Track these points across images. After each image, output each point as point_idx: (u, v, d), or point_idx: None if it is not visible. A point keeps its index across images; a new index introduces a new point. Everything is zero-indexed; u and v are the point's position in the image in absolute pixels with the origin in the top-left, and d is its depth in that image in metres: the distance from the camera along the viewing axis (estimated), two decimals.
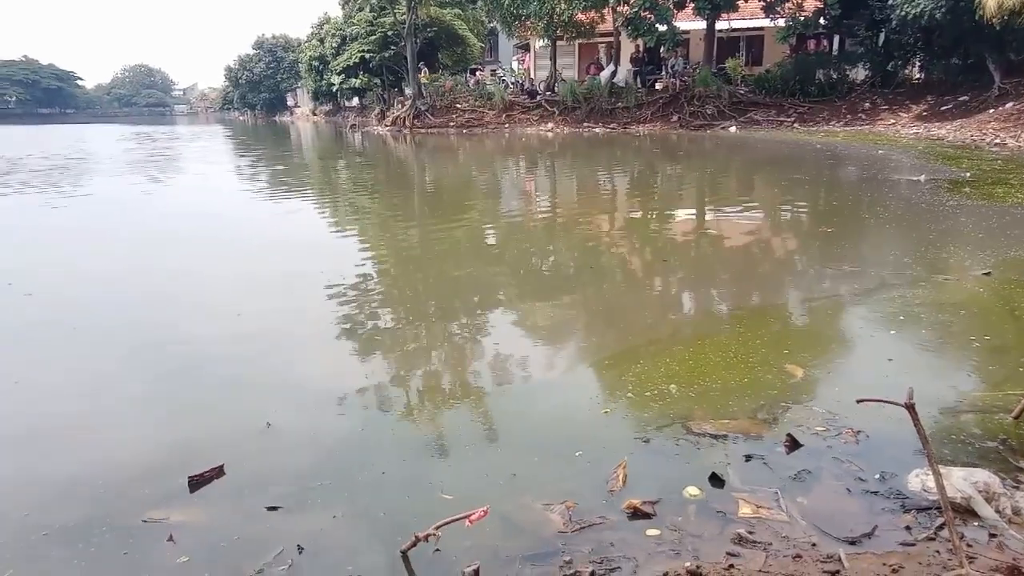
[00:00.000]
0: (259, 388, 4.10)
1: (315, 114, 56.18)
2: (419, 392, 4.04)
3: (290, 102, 72.03)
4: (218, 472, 3.01)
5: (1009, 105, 18.47)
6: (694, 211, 10.55)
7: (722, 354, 4.29)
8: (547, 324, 5.28)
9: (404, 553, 2.40)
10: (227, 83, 76.47)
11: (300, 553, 2.49)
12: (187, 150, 26.87)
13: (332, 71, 43.05)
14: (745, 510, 2.64)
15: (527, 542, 2.52)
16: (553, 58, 31.05)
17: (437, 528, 2.30)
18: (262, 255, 7.74)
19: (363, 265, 7.25)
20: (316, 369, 4.39)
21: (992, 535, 2.40)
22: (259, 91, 70.69)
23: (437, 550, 2.41)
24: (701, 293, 6.07)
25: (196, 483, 2.94)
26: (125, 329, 5.25)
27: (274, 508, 2.77)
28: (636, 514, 2.64)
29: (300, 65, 51.63)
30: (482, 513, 2.31)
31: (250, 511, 2.79)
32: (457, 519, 2.30)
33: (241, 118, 72.97)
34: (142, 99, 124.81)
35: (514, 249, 8.20)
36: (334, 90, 44.51)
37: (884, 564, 2.25)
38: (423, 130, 30.37)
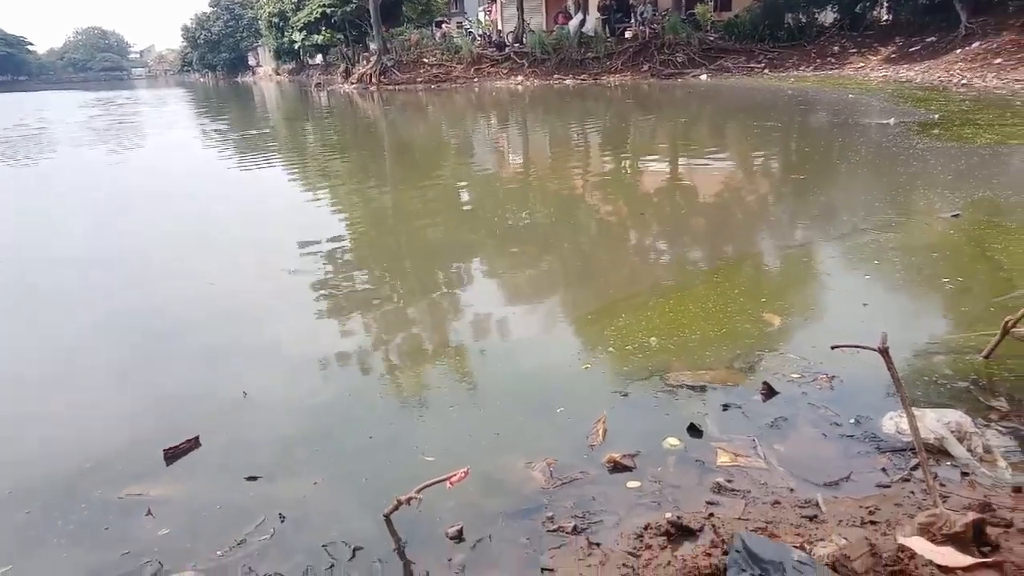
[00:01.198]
0: (234, 357, 4.04)
1: (278, 73, 54.68)
2: (399, 355, 4.00)
3: (252, 61, 69.97)
4: (194, 443, 2.97)
5: (975, 45, 18.50)
6: (669, 162, 10.50)
7: (701, 305, 4.31)
8: (527, 281, 5.25)
9: (387, 517, 2.40)
10: (185, 44, 74.05)
11: (282, 521, 2.48)
12: (153, 115, 26.07)
13: (293, 28, 41.76)
14: (723, 459, 2.67)
15: (509, 500, 2.53)
16: (520, 8, 30.39)
17: (419, 491, 2.30)
18: (234, 220, 7.58)
19: (337, 228, 7.13)
20: (292, 335, 4.33)
21: (964, 474, 2.46)
22: (219, 51, 68.54)
23: (420, 511, 2.41)
24: (679, 245, 6.07)
25: (172, 455, 2.90)
26: (95, 299, 5.15)
27: (254, 478, 2.75)
28: (616, 467, 2.66)
29: (260, 22, 50.01)
30: (463, 474, 2.31)
31: (229, 482, 2.76)
32: (438, 481, 2.30)
33: (201, 80, 70.81)
34: (97, 64, 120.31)
35: (490, 207, 8.11)
36: (296, 48, 43.29)
37: (861, 507, 2.29)
38: (390, 87, 29.75)
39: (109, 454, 3.02)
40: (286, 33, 43.65)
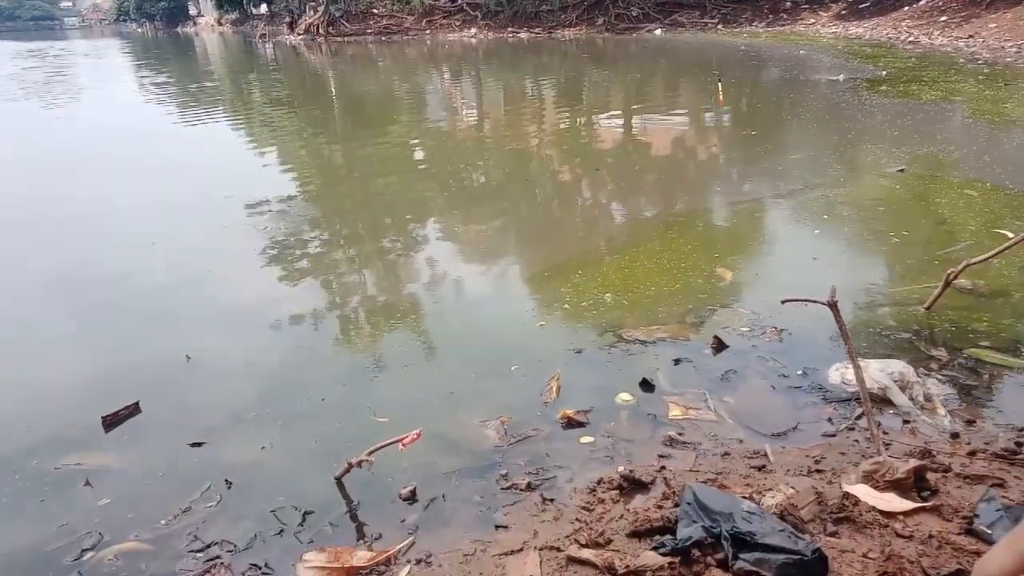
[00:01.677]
0: (178, 320, 3.90)
1: (220, 24, 52.37)
2: (351, 315, 3.93)
3: (192, 11, 66.73)
4: (133, 409, 2.86)
5: (923, 3, 18.76)
6: (623, 119, 10.44)
7: (656, 261, 4.32)
8: (482, 239, 5.18)
9: (338, 480, 2.36)
10: None
11: (229, 488, 2.41)
12: (90, 68, 24.76)
13: None
14: (675, 412, 2.69)
15: (463, 459, 2.51)
16: None
17: (370, 453, 2.26)
18: (177, 179, 7.27)
19: (286, 186, 6.90)
20: (239, 297, 4.20)
21: (906, 422, 2.53)
22: (157, 0, 65.17)
23: (372, 473, 2.37)
24: (633, 201, 6.06)
25: (110, 423, 2.80)
26: (32, 262, 4.90)
27: (198, 444, 2.67)
28: (570, 424, 2.66)
29: None
30: (415, 435, 2.27)
31: (173, 448, 2.68)
32: (390, 443, 2.26)
33: (139, 30, 67.36)
34: (26, 12, 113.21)
35: (443, 164, 7.96)
36: None
37: (807, 456, 2.34)
38: (338, 38, 28.82)
39: (45, 423, 2.90)
40: None
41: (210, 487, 2.42)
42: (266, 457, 2.59)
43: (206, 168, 7.86)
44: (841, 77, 11.51)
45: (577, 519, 2.12)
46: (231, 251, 4.99)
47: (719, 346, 3.16)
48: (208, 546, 2.16)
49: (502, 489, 2.33)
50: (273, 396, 3.02)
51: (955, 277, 3.27)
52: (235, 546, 2.15)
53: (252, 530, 2.21)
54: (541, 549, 1.98)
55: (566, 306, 3.75)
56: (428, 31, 27.92)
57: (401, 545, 2.08)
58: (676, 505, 2.03)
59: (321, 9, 30.69)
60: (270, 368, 3.29)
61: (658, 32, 23.29)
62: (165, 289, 4.36)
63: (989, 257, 3.25)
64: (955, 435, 2.43)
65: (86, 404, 2.95)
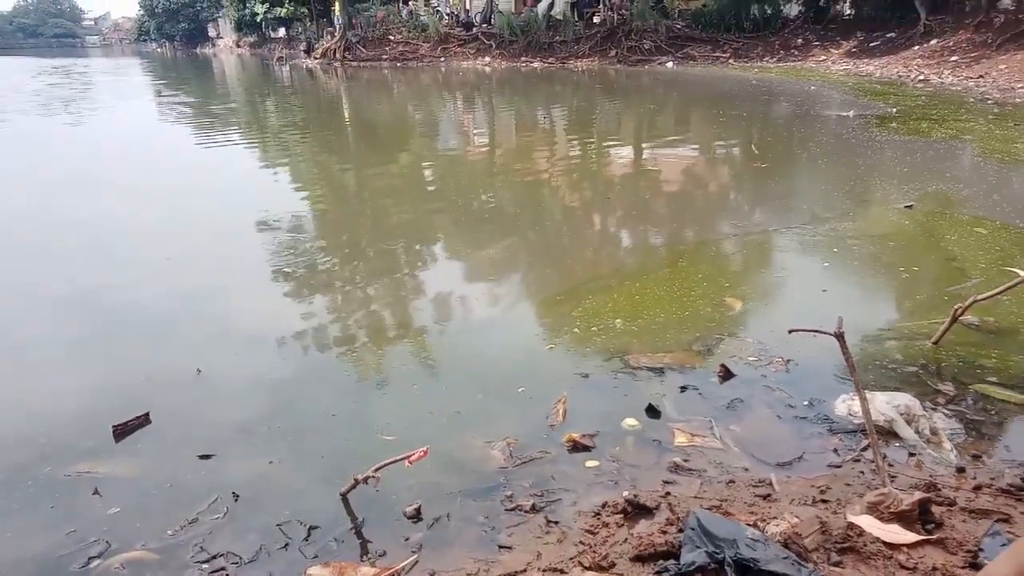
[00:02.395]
0: (191, 334, 3.95)
1: (239, 46, 53.25)
2: (362, 333, 3.96)
3: (212, 33, 67.99)
4: (143, 420, 2.89)
5: (933, 42, 18.93)
6: (635, 148, 10.53)
7: (666, 288, 4.35)
8: (494, 263, 5.22)
9: (344, 496, 2.38)
10: (142, 12, 71.47)
11: (236, 500, 2.43)
12: (112, 85, 25.21)
13: (256, 0, 40.69)
14: (681, 439, 2.70)
15: (469, 479, 2.52)
16: None
17: (377, 470, 2.28)
18: (193, 197, 7.37)
19: (299, 206, 7.00)
20: (251, 313, 4.25)
21: (912, 454, 2.53)
22: (177, 21, 66.37)
23: (377, 491, 2.38)
24: (644, 230, 6.10)
25: (121, 432, 2.82)
26: (51, 275, 4.97)
27: (207, 456, 2.69)
28: (576, 447, 2.67)
29: None
30: (422, 453, 2.29)
31: (182, 460, 2.70)
32: (397, 460, 2.28)
33: (159, 50, 68.58)
34: (49, 29, 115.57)
35: (455, 188, 8.04)
36: (258, 20, 42.18)
37: (813, 486, 2.34)
38: (355, 63, 29.23)
39: (57, 431, 2.93)
40: (248, 4, 42.50)
41: (217, 499, 2.43)
42: (273, 471, 2.61)
43: (221, 187, 7.97)
44: (851, 113, 11.60)
45: (581, 542, 2.13)
46: (244, 269, 5.05)
47: (726, 374, 3.17)
48: (214, 557, 2.17)
49: (506, 510, 2.34)
50: (281, 411, 3.05)
51: (962, 313, 3.28)
52: (240, 559, 2.17)
53: (258, 543, 2.23)
54: (544, 571, 1.99)
55: (576, 330, 3.78)
56: (443, 58, 28.31)
57: (405, 563, 2.09)
58: (680, 531, 2.04)
59: (338, 34, 31.19)
60: (279, 384, 3.32)
61: (670, 65, 23.54)
62: (178, 304, 4.40)
63: (996, 294, 3.27)
64: (961, 469, 2.43)
65: (98, 414, 2.98)
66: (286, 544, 2.22)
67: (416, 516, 2.31)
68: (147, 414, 2.93)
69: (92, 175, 8.54)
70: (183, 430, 2.92)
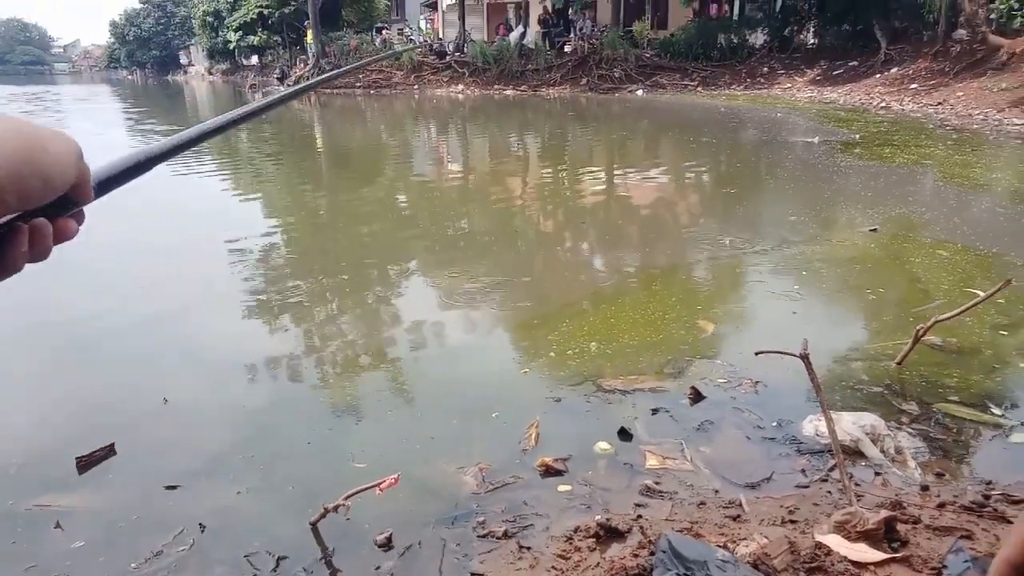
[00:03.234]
0: (157, 363, 3.89)
1: (211, 73, 53.07)
2: (335, 361, 3.93)
3: (183, 60, 67.78)
4: (108, 451, 2.83)
5: (894, 70, 19.53)
6: (608, 175, 10.67)
7: (641, 311, 4.40)
8: (468, 288, 5.21)
9: (313, 525, 2.34)
10: (113, 39, 71.17)
11: (202, 532, 2.38)
12: (86, 111, 24.93)
13: (228, 27, 40.63)
14: (652, 462, 2.71)
15: (441, 506, 2.51)
16: (462, 18, 30.50)
17: (347, 498, 2.25)
18: (163, 222, 7.30)
19: (270, 232, 6.96)
20: (220, 341, 4.20)
21: (877, 473, 2.57)
22: (149, 48, 66.19)
23: (348, 519, 2.36)
24: (618, 254, 6.15)
25: (85, 464, 2.76)
26: (11, 301, 4.86)
27: (173, 487, 2.64)
28: (548, 472, 2.67)
29: (193, 21, 48.51)
30: (392, 481, 2.27)
31: (147, 491, 2.65)
32: (367, 488, 2.26)
33: (130, 77, 68.13)
34: (17, 56, 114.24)
35: (428, 215, 8.07)
36: (231, 48, 42.13)
37: (781, 506, 2.37)
38: (328, 91, 29.29)
39: (18, 463, 2.85)
40: (220, 33, 42.45)
41: (183, 531, 2.39)
42: (241, 501, 2.57)
43: (191, 213, 7.90)
44: (816, 139, 11.89)
45: (553, 567, 2.12)
46: (214, 295, 5.00)
47: (696, 397, 3.20)
48: None
49: (479, 536, 2.32)
50: (250, 440, 3.00)
51: (924, 333, 3.36)
52: None
53: (224, 575, 2.18)
54: None
55: (551, 354, 3.79)
56: (416, 86, 28.52)
57: None
58: (652, 554, 2.04)
59: (311, 62, 31.31)
60: (248, 412, 3.28)
61: (639, 93, 23.96)
62: (145, 331, 4.34)
63: (956, 315, 3.35)
64: (925, 487, 2.47)
65: (61, 445, 2.92)
66: (254, 575, 2.18)
67: (387, 544, 2.29)
68: (112, 445, 2.88)
69: None
70: (149, 461, 2.87)
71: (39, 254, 0.53)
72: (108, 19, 73.07)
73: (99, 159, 0.58)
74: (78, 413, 3.32)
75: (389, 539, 2.30)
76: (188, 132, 0.64)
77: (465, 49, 29.32)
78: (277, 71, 34.95)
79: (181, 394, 3.42)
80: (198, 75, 58.12)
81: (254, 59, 43.96)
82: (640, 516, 2.34)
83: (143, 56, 67.10)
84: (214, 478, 2.73)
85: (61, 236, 0.54)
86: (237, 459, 2.85)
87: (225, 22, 41.20)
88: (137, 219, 7.40)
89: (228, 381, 3.62)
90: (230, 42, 41.02)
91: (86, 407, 3.38)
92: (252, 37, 38.58)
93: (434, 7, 36.21)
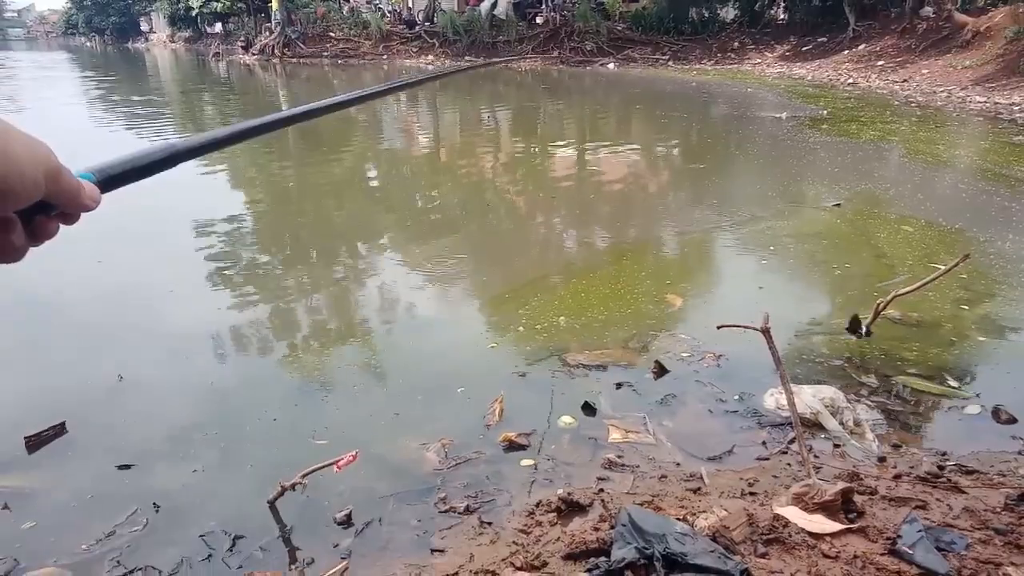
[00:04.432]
0: (115, 340, 3.78)
1: (173, 41, 51.58)
2: (299, 336, 3.86)
3: (144, 27, 65.61)
4: (59, 430, 2.75)
5: (862, 47, 19.69)
6: (580, 149, 10.61)
7: (611, 286, 4.39)
8: (439, 263, 5.15)
9: (271, 503, 2.30)
10: (70, 5, 68.53)
11: (157, 511, 2.33)
12: (44, 81, 24.05)
13: None
14: (615, 435, 2.71)
15: (402, 482, 2.48)
16: None
17: (304, 476, 2.22)
18: (122, 194, 7.04)
19: (236, 205, 6.80)
20: (182, 317, 4.08)
21: (836, 446, 2.60)
22: (107, 14, 63.85)
23: (307, 497, 2.32)
24: (589, 228, 6.13)
25: (34, 444, 2.68)
26: None
27: (126, 466, 2.58)
28: (511, 446, 2.66)
29: None
30: (351, 458, 2.24)
31: (100, 471, 2.58)
32: (325, 466, 2.22)
33: (88, 44, 65.81)
34: None
35: (398, 188, 7.95)
36: (194, 15, 40.94)
37: (741, 479, 2.39)
38: (294, 60, 28.68)
39: None
40: (181, 1, 41.22)
41: (137, 511, 2.33)
42: (198, 480, 2.52)
43: (152, 185, 7.66)
44: (784, 115, 11.95)
45: (514, 542, 2.11)
46: (175, 272, 4.86)
47: (660, 371, 3.21)
48: (131, 571, 2.08)
49: (440, 512, 2.30)
50: (210, 418, 2.94)
51: (884, 307, 3.40)
52: (160, 572, 2.08)
53: (179, 555, 2.14)
54: (476, 573, 1.96)
55: (520, 329, 3.77)
56: (385, 56, 28.03)
57: (333, 570, 2.04)
58: (612, 527, 2.04)
59: (277, 30, 30.53)
60: (207, 390, 3.21)
61: (611, 66, 23.83)
62: (102, 307, 4.23)
63: (915, 289, 3.39)
64: (882, 459, 2.51)
65: (10, 425, 2.82)
66: (209, 555, 2.14)
67: (347, 522, 2.26)
68: (63, 424, 2.79)
69: None
70: (102, 440, 2.79)
71: (5, 253, 0.49)
72: None
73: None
74: (27, 391, 3.22)
75: (349, 516, 2.27)
76: (221, 131, 0.59)
77: (435, 19, 28.85)
78: (241, 39, 34.06)
79: (138, 371, 3.33)
80: (159, 43, 56.37)
81: (217, 27, 42.76)
82: (602, 490, 2.34)
83: (102, 22, 64.74)
84: (170, 457, 2.67)
85: (37, 236, 0.50)
86: (195, 437, 2.79)
87: None
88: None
89: (188, 358, 3.53)
90: (192, 8, 39.87)
91: (36, 385, 3.28)
92: (215, 3, 37.53)
93: None
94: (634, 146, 10.55)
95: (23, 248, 0.49)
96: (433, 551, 2.11)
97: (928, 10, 19.18)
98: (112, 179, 0.51)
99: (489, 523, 2.23)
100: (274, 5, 30.82)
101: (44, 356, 3.61)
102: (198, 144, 0.57)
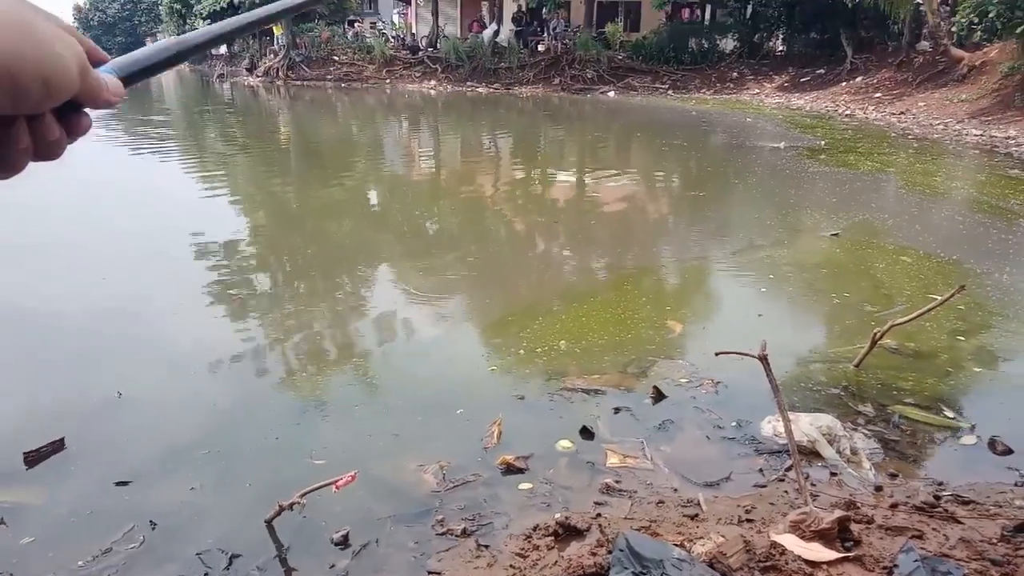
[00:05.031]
0: (116, 357, 3.79)
1: None
2: (301, 356, 3.86)
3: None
4: (57, 446, 2.75)
5: (859, 79, 19.94)
6: (582, 176, 10.70)
7: (612, 311, 4.42)
8: (441, 285, 5.17)
9: (268, 522, 2.30)
10: (77, 25, 69.30)
11: (153, 529, 2.33)
12: None
13: (197, 16, 39.89)
14: (613, 460, 2.72)
15: (400, 504, 2.48)
16: (435, 13, 30.31)
17: (302, 495, 2.22)
18: (127, 211, 7.13)
19: (238, 226, 6.84)
20: (183, 334, 4.09)
21: (833, 474, 2.61)
22: (114, 35, 64.64)
23: (304, 517, 2.32)
24: (590, 253, 6.16)
25: (33, 460, 2.68)
26: None
27: (124, 483, 2.57)
28: (509, 469, 2.66)
29: (160, 8, 47.54)
30: (350, 478, 2.24)
31: (98, 487, 2.58)
32: (323, 485, 2.23)
33: None
34: None
35: (399, 211, 8.01)
36: None
37: (739, 505, 2.39)
38: (298, 82, 28.93)
39: None
40: (189, 21, 41.66)
41: (134, 528, 2.33)
42: (196, 498, 2.52)
43: (157, 203, 7.72)
44: (783, 145, 12.07)
45: (511, 566, 2.11)
46: (177, 287, 4.89)
47: (658, 396, 3.22)
48: None
49: (437, 535, 2.30)
50: (209, 436, 2.94)
51: (881, 337, 3.42)
52: None
53: (175, 573, 2.14)
54: None
55: (520, 352, 3.78)
56: (388, 80, 28.30)
57: None
58: (609, 552, 2.04)
59: (282, 53, 30.86)
60: (206, 408, 3.21)
61: (611, 94, 24.09)
62: (104, 322, 4.24)
63: (911, 319, 3.42)
64: (878, 488, 2.52)
65: (9, 440, 2.82)
66: (205, 574, 2.13)
67: (344, 543, 2.26)
68: (62, 440, 2.79)
69: (13, 187, 8.17)
70: (101, 456, 2.79)
71: (45, 151, 0.47)
72: (72, 3, 71.05)
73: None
74: (27, 406, 3.22)
75: (346, 537, 2.27)
76: (215, 27, 0.60)
77: (438, 45, 29.19)
78: (246, 61, 34.38)
79: (138, 388, 3.34)
80: None
81: (223, 48, 43.19)
82: (599, 515, 2.35)
83: (108, 43, 65.40)
84: (168, 474, 2.67)
85: (73, 132, 0.48)
86: (193, 455, 2.79)
87: (194, 10, 40.42)
88: (101, 207, 7.24)
89: (188, 375, 3.54)
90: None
91: (36, 400, 3.28)
92: None
93: (408, 1, 35.94)
94: (634, 173, 10.64)
95: (63, 142, 0.48)
96: (429, 573, 2.11)
97: (925, 44, 19.47)
98: (132, 75, 0.52)
99: (486, 546, 2.23)
100: (276, 28, 31.17)
101: (44, 372, 3.62)
102: (207, 37, 0.59)
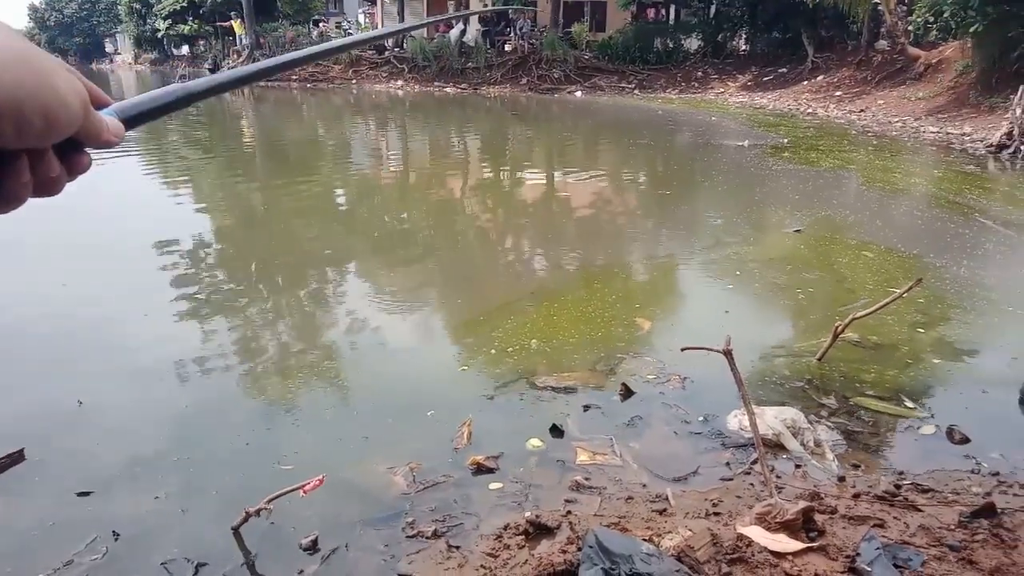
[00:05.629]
0: (77, 364, 3.70)
1: (138, 62, 51.12)
2: (268, 360, 3.81)
3: (109, 48, 65.00)
4: (16, 458, 2.68)
5: (820, 78, 20.32)
6: (550, 175, 10.74)
7: (581, 309, 4.44)
8: (411, 286, 5.16)
9: (235, 529, 2.27)
10: (32, 24, 67.53)
11: (116, 539, 2.28)
12: None
13: (157, 15, 39.23)
14: (583, 457, 2.74)
15: (370, 507, 2.47)
16: (401, 13, 30.18)
17: (269, 501, 2.19)
18: (90, 216, 6.94)
19: (202, 228, 6.72)
20: (146, 341, 4.01)
21: (797, 466, 2.66)
22: (71, 35, 63.12)
23: (272, 523, 2.30)
24: (559, 253, 6.17)
25: None
26: None
27: (86, 493, 2.52)
28: (480, 469, 2.66)
29: (119, 7, 46.61)
30: (317, 482, 2.22)
31: (59, 498, 2.52)
32: (290, 491, 2.21)
33: None
34: None
35: (367, 211, 7.96)
36: (160, 37, 40.66)
37: (706, 499, 2.42)
38: (262, 83, 28.54)
39: None
40: (148, 20, 40.95)
41: (96, 539, 2.28)
42: (161, 507, 2.47)
43: (119, 208, 7.56)
44: (747, 143, 12.25)
45: (482, 566, 2.12)
46: (139, 295, 4.78)
47: (626, 393, 3.25)
48: None
49: (407, 537, 2.29)
50: (173, 444, 2.89)
51: (842, 330, 3.49)
52: None
53: None
54: None
55: (492, 351, 3.78)
56: (354, 80, 28.07)
57: None
58: (580, 549, 2.05)
59: (245, 53, 30.46)
60: (171, 415, 3.15)
61: (578, 94, 24.20)
62: (64, 330, 4.14)
63: (871, 312, 3.50)
64: (841, 479, 2.57)
65: None
66: None
67: (312, 547, 2.24)
68: (21, 451, 2.72)
69: None
70: (62, 467, 2.73)
71: (45, 187, 0.48)
72: (27, 1, 69.15)
73: None
74: None
75: (315, 542, 2.25)
76: (223, 75, 0.60)
77: (404, 45, 29.02)
78: (209, 62, 33.86)
79: (100, 396, 3.27)
80: (124, 64, 55.80)
81: (184, 49, 42.53)
82: (569, 512, 2.36)
83: (65, 43, 63.88)
84: (132, 483, 2.62)
85: (73, 171, 0.49)
86: (158, 463, 2.74)
87: (153, 9, 39.74)
88: (63, 212, 7.04)
89: (151, 383, 3.47)
90: (159, 30, 39.60)
91: None
92: (182, 26, 37.33)
93: (373, 1, 35.69)
94: (602, 172, 10.71)
95: (63, 179, 0.49)
96: (400, 575, 2.11)
97: (883, 43, 19.92)
98: (133, 118, 0.53)
99: (457, 547, 2.23)
100: (237, 28, 30.74)
101: (2, 380, 3.52)
102: (208, 86, 0.59)
